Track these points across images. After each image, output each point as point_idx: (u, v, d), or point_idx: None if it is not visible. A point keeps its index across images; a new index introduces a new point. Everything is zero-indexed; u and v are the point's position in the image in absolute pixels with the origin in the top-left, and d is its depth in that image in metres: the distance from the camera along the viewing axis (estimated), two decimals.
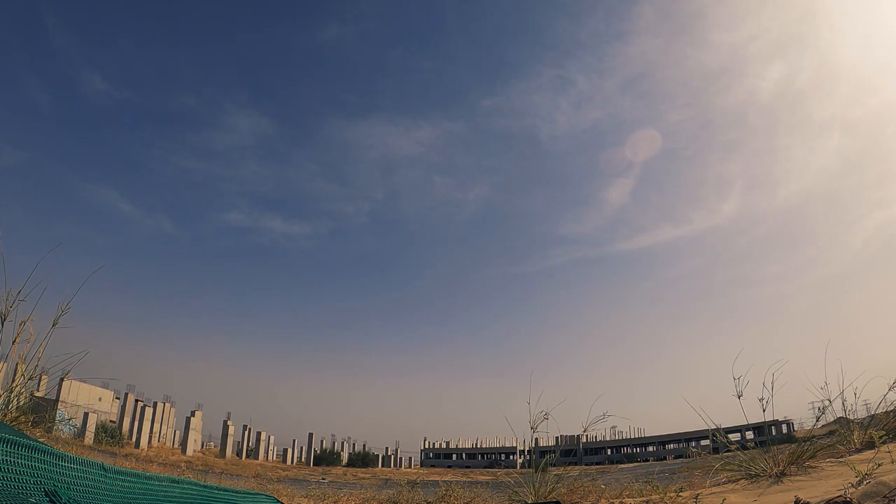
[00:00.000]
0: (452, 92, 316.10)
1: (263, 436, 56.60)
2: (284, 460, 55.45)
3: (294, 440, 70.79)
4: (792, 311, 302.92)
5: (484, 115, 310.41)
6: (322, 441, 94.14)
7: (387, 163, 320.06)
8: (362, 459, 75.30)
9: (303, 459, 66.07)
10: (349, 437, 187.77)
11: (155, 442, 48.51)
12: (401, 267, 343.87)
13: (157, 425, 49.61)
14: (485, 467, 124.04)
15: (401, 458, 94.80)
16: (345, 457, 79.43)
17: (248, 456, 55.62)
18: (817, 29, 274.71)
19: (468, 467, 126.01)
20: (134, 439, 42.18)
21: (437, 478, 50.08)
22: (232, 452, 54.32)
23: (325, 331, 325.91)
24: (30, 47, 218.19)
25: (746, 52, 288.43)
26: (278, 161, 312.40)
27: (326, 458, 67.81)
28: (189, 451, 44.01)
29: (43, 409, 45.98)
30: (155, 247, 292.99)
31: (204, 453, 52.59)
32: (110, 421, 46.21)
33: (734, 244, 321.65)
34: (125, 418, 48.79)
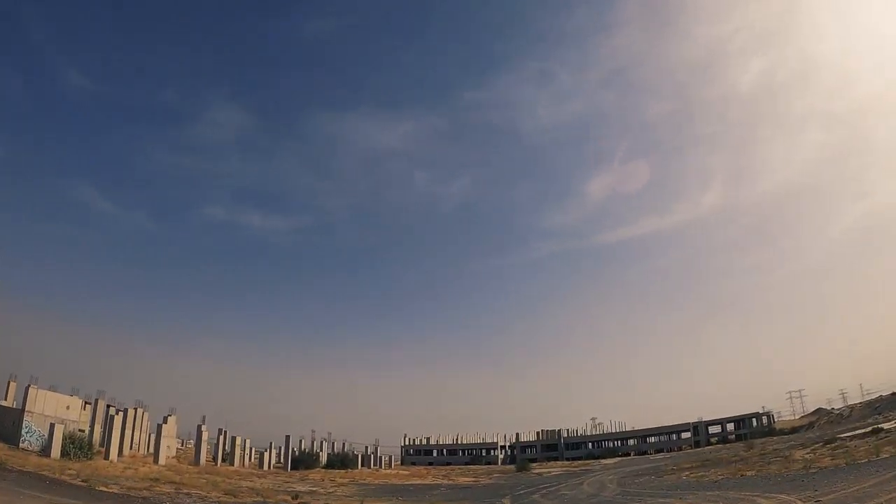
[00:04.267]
0: (436, 85, 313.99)
1: (239, 440, 55.54)
2: (261, 465, 54.40)
3: (271, 443, 69.80)
4: (772, 301, 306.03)
5: (467, 109, 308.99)
6: (301, 441, 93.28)
7: (370, 157, 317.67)
8: (341, 460, 74.47)
9: (282, 461, 65.07)
10: (330, 434, 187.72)
11: (129, 451, 47.41)
12: (382, 262, 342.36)
13: (129, 433, 48.44)
14: (466, 464, 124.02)
15: (381, 458, 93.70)
16: (324, 457, 78.50)
17: (224, 461, 54.56)
18: (798, 23, 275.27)
19: (449, 464, 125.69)
20: (106, 449, 41.00)
21: (417, 480, 49.49)
22: (207, 459, 53.25)
23: (305, 327, 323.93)
24: (6, 40, 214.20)
25: (728, 46, 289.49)
26: (260, 155, 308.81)
27: (305, 461, 66.84)
28: (162, 460, 42.88)
29: (8, 420, 44.92)
30: (134, 244, 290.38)
31: (179, 460, 51.52)
32: (79, 430, 44.93)
33: (715, 236, 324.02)
34: (96, 426, 47.50)
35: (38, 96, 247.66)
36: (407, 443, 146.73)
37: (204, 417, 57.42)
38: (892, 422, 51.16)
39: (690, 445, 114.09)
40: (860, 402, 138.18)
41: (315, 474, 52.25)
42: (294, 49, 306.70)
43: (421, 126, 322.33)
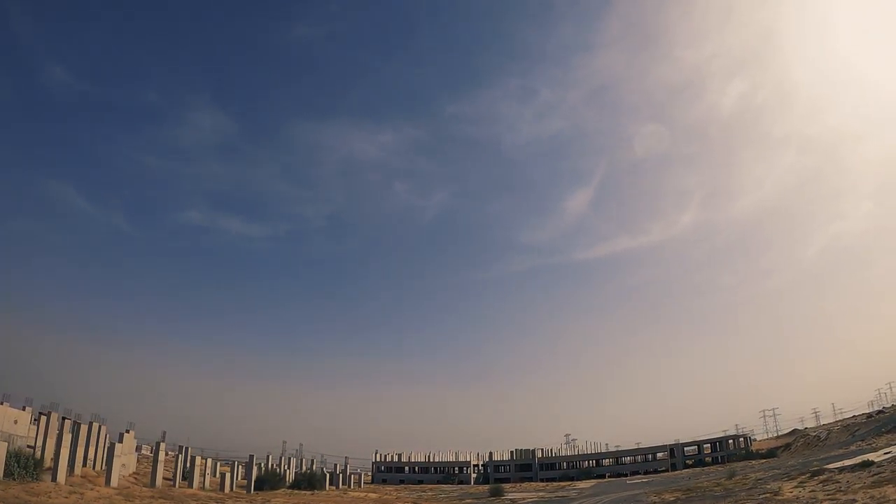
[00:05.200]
0: (418, 97, 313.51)
1: (199, 460, 52.69)
2: (222, 487, 51.57)
3: (234, 463, 66.93)
4: (746, 320, 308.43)
5: (448, 122, 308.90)
6: (269, 456, 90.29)
7: (349, 166, 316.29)
8: (308, 480, 71.57)
9: (239, 478, 62.16)
10: (301, 446, 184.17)
11: (84, 469, 44.43)
12: (358, 273, 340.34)
13: (83, 450, 45.46)
14: (438, 482, 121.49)
15: (350, 476, 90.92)
16: (290, 476, 75.64)
17: (184, 479, 51.77)
18: (776, 50, 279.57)
19: (421, 482, 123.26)
20: (53, 469, 38.08)
21: None
22: (168, 476, 50.46)
23: (278, 337, 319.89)
24: None
25: (708, 69, 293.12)
26: (239, 161, 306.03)
27: (269, 481, 63.93)
28: (114, 481, 40.09)
29: None
30: (108, 244, 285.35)
31: (136, 479, 48.65)
32: (28, 447, 41.96)
33: (691, 254, 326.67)
34: (49, 442, 44.36)
35: (20, 91, 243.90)
36: (378, 459, 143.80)
37: (164, 433, 54.64)
38: (879, 452, 49.58)
39: (667, 468, 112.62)
40: (836, 423, 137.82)
41: (278, 498, 49.57)
42: (279, 55, 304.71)
43: (401, 137, 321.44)
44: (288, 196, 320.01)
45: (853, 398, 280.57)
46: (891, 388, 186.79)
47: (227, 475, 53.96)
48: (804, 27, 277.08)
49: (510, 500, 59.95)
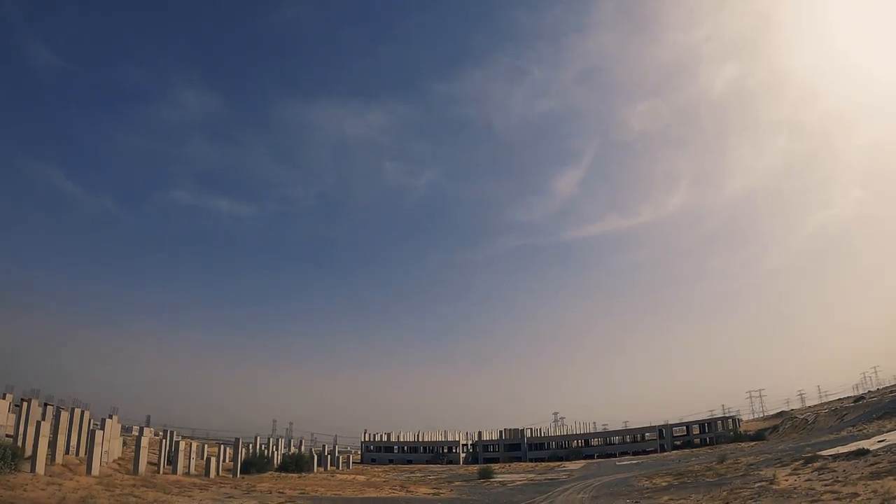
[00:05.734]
0: (408, 76, 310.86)
1: (183, 444, 51.74)
2: (207, 471, 50.71)
3: (220, 446, 66.07)
4: (733, 303, 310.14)
5: (438, 102, 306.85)
6: (257, 438, 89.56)
7: (338, 146, 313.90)
8: (296, 462, 70.82)
9: (227, 460, 61.37)
10: (289, 427, 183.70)
11: (66, 457, 43.23)
12: (347, 253, 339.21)
13: (65, 437, 44.25)
14: (427, 462, 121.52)
15: (338, 458, 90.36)
16: (278, 458, 74.92)
17: (170, 463, 50.86)
18: (769, 36, 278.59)
19: (410, 462, 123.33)
20: (32, 459, 36.97)
21: (373, 493, 46.31)
22: (152, 461, 49.50)
23: (266, 319, 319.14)
24: None
25: (701, 53, 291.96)
26: (227, 140, 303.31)
27: (256, 464, 63.13)
28: (95, 470, 39.09)
29: None
30: (96, 227, 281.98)
31: (120, 465, 47.64)
32: (7, 436, 40.79)
33: (680, 237, 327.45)
34: (29, 430, 43.02)
35: (5, 73, 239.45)
36: (367, 439, 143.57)
37: (148, 417, 54.36)
38: (872, 440, 49.18)
39: (655, 449, 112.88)
40: (823, 406, 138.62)
41: (264, 483, 48.74)
42: (267, 35, 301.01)
43: (392, 117, 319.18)
44: (277, 176, 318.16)
45: (838, 381, 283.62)
46: (876, 372, 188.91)
47: (213, 459, 53.02)
48: (799, 14, 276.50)
49: (500, 482, 59.36)
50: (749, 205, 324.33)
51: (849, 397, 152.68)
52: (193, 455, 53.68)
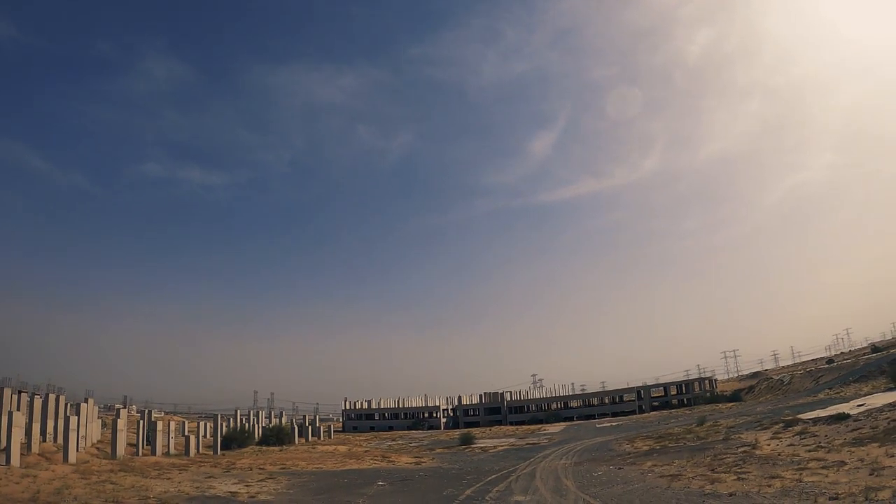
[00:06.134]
0: (379, 39, 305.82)
1: (161, 424, 50.96)
2: (187, 450, 50.12)
3: (199, 423, 65.41)
4: (707, 264, 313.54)
5: (411, 64, 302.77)
6: (237, 412, 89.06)
7: (309, 110, 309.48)
8: (276, 435, 70.54)
9: (208, 436, 60.78)
10: (270, 398, 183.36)
11: (43, 446, 42.19)
12: (321, 219, 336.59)
13: (38, 425, 43.19)
14: (408, 428, 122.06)
15: (319, 428, 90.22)
16: (258, 432, 74.57)
17: (149, 444, 50.12)
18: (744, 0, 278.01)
19: (392, 428, 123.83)
20: (7, 451, 36.01)
21: (354, 464, 45.98)
22: (128, 446, 48.67)
23: (242, 288, 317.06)
24: None
25: (676, 15, 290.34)
26: (198, 109, 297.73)
27: (237, 438, 62.76)
28: (72, 457, 38.26)
29: None
30: (67, 203, 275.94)
31: (99, 450, 46.79)
32: None
33: (654, 199, 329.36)
34: (2, 420, 41.88)
35: None
36: (348, 406, 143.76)
37: (126, 398, 53.43)
38: (850, 403, 49.61)
39: (634, 410, 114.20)
40: (797, 367, 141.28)
41: (245, 458, 48.33)
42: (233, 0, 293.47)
43: (363, 80, 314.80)
44: (248, 143, 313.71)
45: (811, 342, 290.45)
46: (847, 334, 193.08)
47: (192, 437, 52.41)
48: None
49: (481, 447, 59.46)
50: (722, 168, 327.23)
51: (821, 358, 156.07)
52: (172, 434, 52.87)
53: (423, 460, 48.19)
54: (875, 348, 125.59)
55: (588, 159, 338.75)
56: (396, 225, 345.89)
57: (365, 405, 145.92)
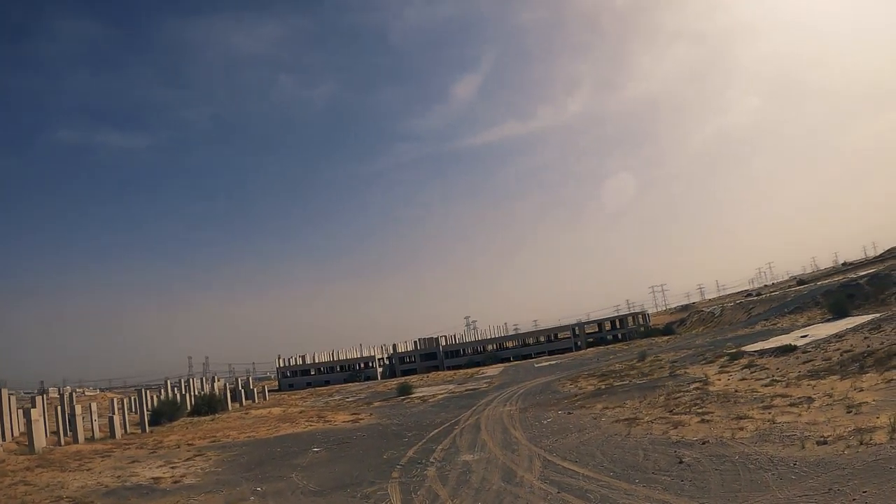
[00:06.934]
0: None
1: (80, 408, 47.38)
2: (112, 433, 46.86)
3: (123, 399, 61.78)
4: (633, 205, 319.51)
5: (332, 10, 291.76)
6: (167, 382, 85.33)
7: (229, 63, 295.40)
8: (208, 404, 67.40)
9: (134, 412, 57.35)
10: (205, 362, 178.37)
11: None
12: (248, 173, 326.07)
13: None
14: (345, 381, 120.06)
15: (253, 390, 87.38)
16: (190, 401, 71.31)
17: (70, 432, 46.52)
18: None
19: (328, 382, 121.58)
20: None
21: (289, 428, 43.65)
22: (52, 434, 45.06)
23: (170, 252, 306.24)
24: None
25: None
26: (111, 68, 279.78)
27: (167, 411, 59.51)
28: None
29: None
30: None
31: (19, 444, 43.01)
32: None
33: (580, 141, 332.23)
34: None
35: None
36: (283, 364, 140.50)
37: (41, 383, 49.83)
38: (792, 335, 49.84)
39: (570, 347, 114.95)
40: (726, 299, 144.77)
41: (174, 434, 45.60)
42: None
43: (284, 29, 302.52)
44: (167, 100, 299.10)
45: (735, 276, 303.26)
46: (770, 267, 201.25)
47: (117, 417, 48.94)
48: None
49: (420, 397, 58.03)
50: (649, 109, 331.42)
51: (743, 291, 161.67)
52: (95, 416, 49.25)
53: (360, 417, 46.21)
54: (801, 281, 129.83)
55: (514, 102, 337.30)
56: (322, 176, 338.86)
57: (300, 361, 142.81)
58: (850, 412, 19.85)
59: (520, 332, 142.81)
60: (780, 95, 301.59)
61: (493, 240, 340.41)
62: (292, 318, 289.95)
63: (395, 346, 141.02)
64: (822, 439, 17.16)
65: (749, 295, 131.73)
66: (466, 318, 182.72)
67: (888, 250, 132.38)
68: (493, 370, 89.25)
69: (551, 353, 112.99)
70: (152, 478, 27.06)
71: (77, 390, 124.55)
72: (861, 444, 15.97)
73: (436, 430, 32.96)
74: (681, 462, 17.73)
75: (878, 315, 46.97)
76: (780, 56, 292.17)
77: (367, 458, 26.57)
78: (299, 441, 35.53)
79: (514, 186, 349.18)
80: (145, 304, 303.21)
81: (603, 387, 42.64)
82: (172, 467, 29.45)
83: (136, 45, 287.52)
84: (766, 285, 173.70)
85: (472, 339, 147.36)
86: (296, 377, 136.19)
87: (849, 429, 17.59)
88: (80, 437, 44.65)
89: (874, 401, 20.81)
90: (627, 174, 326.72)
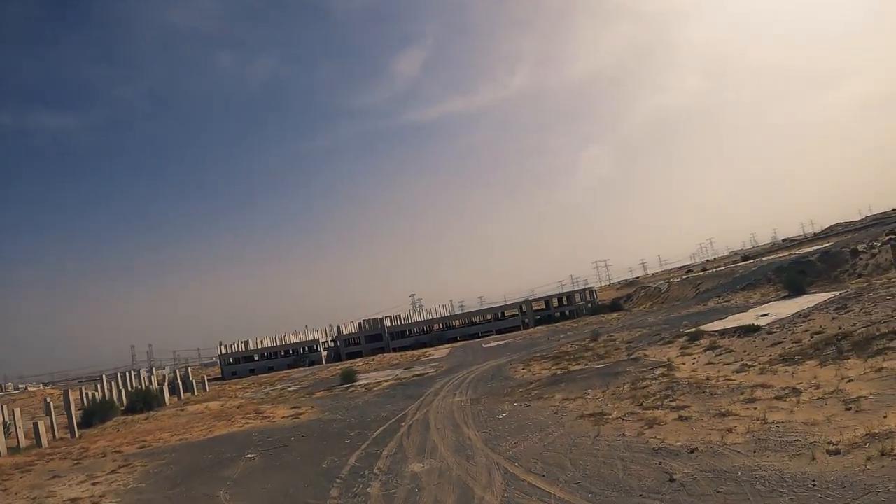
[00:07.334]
0: None
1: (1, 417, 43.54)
2: (38, 441, 43.24)
3: (60, 396, 57.77)
4: (575, 180, 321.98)
5: None
6: (103, 377, 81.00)
7: (165, 38, 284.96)
8: (143, 400, 63.78)
9: (65, 415, 53.44)
10: (149, 350, 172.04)
11: None
12: (186, 152, 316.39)
13: None
14: (289, 366, 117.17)
15: (192, 382, 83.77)
16: (125, 398, 67.57)
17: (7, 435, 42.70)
18: None
19: (272, 368, 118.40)
20: None
21: (224, 428, 40.91)
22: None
23: (106, 237, 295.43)
24: None
25: None
26: (41, 46, 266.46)
27: (99, 412, 55.83)
28: None
29: None
30: None
31: None
32: None
33: (522, 117, 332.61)
34: None
35: None
36: (225, 351, 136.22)
37: None
38: (750, 313, 49.14)
39: (518, 326, 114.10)
40: (671, 275, 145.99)
41: (103, 438, 42.38)
42: None
43: (223, 2, 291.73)
44: (102, 78, 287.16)
45: (676, 251, 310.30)
46: (711, 243, 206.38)
47: (42, 423, 45.12)
48: None
49: (364, 385, 55.68)
50: (590, 86, 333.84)
51: (686, 266, 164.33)
52: (19, 422, 45.40)
53: (301, 412, 43.52)
54: (745, 257, 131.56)
55: (456, 78, 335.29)
56: (262, 153, 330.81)
57: (242, 347, 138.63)
58: (850, 409, 18.01)
59: (466, 310, 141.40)
60: (719, 74, 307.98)
61: (437, 217, 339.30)
62: (237, 300, 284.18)
63: (339, 329, 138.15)
64: (832, 447, 14.95)
65: (690, 271, 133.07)
66: (412, 296, 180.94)
67: (829, 227, 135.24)
68: (440, 352, 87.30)
69: (499, 332, 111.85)
70: (69, 499, 24.14)
71: (20, 386, 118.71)
72: (882, 454, 13.68)
73: (381, 429, 30.46)
74: (672, 480, 15.08)
75: (838, 293, 46.46)
76: (719, 37, 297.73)
77: (304, 467, 24.04)
78: (234, 443, 32.84)
79: (454, 163, 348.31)
80: (88, 290, 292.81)
81: (559, 372, 40.75)
82: (94, 483, 26.47)
83: (67, 20, 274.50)
84: (708, 260, 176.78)
85: (419, 319, 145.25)
86: (238, 364, 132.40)
87: (859, 433, 15.51)
88: (2, 448, 40.82)
89: (871, 394, 19.08)
90: (568, 151, 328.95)
